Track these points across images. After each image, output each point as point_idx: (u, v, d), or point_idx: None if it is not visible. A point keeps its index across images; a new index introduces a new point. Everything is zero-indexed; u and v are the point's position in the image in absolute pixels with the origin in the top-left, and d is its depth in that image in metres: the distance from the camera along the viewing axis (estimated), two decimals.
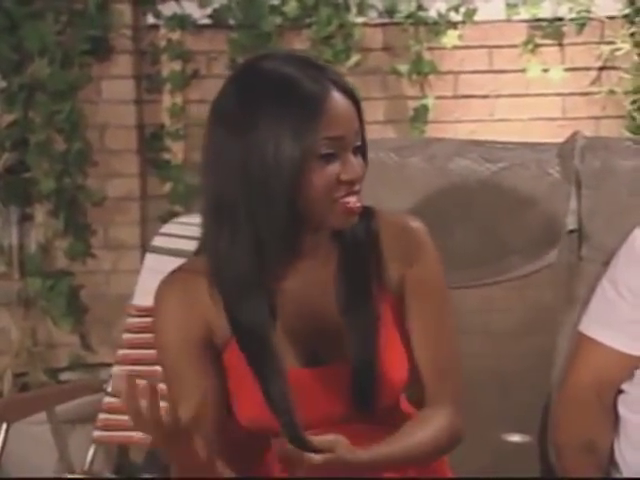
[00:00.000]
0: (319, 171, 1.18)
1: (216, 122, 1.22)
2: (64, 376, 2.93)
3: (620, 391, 1.52)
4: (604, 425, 1.50)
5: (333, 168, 1.19)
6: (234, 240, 1.20)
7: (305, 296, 1.26)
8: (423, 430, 1.27)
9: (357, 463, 1.19)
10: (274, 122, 1.17)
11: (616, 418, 1.51)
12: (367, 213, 1.27)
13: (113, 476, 2.49)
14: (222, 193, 1.20)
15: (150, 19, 2.96)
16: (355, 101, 1.22)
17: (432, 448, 1.28)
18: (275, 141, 1.16)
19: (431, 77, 2.90)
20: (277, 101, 1.17)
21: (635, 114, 2.82)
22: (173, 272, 1.29)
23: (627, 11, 2.82)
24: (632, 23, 2.82)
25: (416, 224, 1.30)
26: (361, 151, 1.24)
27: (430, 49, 2.89)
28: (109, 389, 2.29)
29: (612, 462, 1.50)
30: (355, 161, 1.21)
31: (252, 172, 1.17)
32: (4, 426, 2.11)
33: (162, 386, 2.33)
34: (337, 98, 1.20)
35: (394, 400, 1.31)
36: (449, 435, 1.30)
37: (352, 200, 1.21)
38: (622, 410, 1.51)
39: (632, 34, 2.82)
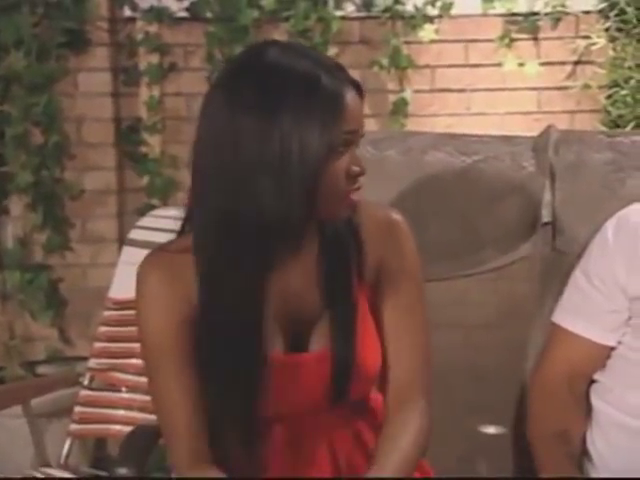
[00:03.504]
0: (335, 165, 1.19)
1: (232, 102, 1.18)
2: (41, 369, 2.92)
3: (592, 381, 1.53)
4: (576, 415, 1.51)
5: (344, 161, 1.20)
6: (232, 227, 1.19)
7: (290, 282, 1.26)
8: (406, 438, 1.27)
9: None
10: (299, 116, 1.17)
11: (588, 408, 1.52)
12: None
13: (90, 470, 2.48)
14: (229, 177, 1.18)
15: (127, 11, 2.94)
16: (361, 94, 1.23)
17: (417, 454, 1.28)
18: (300, 135, 1.17)
19: (409, 71, 2.90)
20: (302, 96, 1.18)
21: (610, 108, 2.83)
22: (155, 251, 1.27)
23: (602, 6, 2.83)
24: (607, 18, 2.83)
25: (397, 217, 1.31)
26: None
27: (407, 43, 2.89)
28: (85, 382, 2.29)
29: (584, 451, 1.51)
30: (359, 154, 1.23)
31: (270, 161, 1.17)
32: None
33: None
34: (351, 93, 1.21)
35: (368, 389, 1.31)
36: (427, 434, 1.30)
37: (355, 193, 1.22)
38: (594, 400, 1.51)
39: (607, 29, 2.83)
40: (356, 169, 1.21)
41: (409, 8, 2.88)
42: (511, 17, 2.88)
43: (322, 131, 1.17)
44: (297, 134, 1.17)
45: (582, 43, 2.85)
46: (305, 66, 1.19)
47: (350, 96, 1.21)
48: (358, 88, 1.23)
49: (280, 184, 1.17)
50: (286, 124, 1.16)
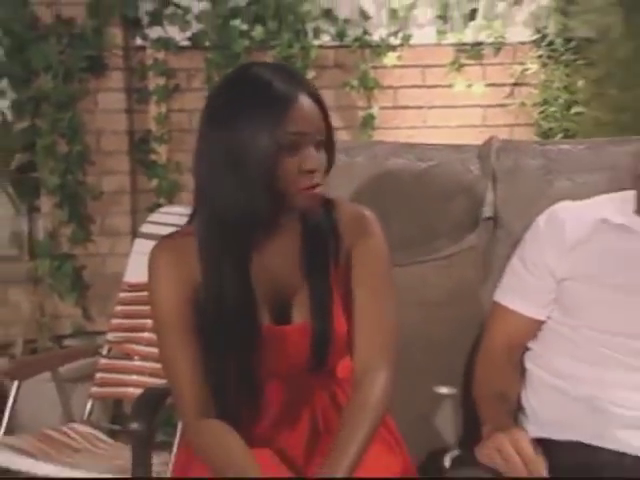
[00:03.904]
0: (286, 160, 1.17)
1: (207, 117, 1.20)
2: (67, 342, 2.91)
3: (526, 348, 1.53)
4: (513, 379, 1.51)
5: (296, 159, 1.18)
6: (222, 215, 1.19)
7: (276, 265, 1.26)
8: (373, 400, 1.24)
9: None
10: (251, 117, 1.16)
11: (522, 371, 1.53)
12: (330, 204, 1.28)
13: (109, 425, 2.48)
14: (211, 176, 1.18)
15: (138, 41, 2.93)
16: (320, 103, 1.20)
17: (383, 411, 1.26)
18: (252, 134, 1.15)
19: (375, 91, 2.90)
20: (253, 99, 1.16)
21: (542, 122, 2.85)
22: (163, 238, 1.27)
23: (535, 37, 2.85)
24: (539, 47, 2.85)
25: (368, 212, 1.31)
26: (326, 148, 1.22)
27: (374, 67, 2.89)
28: (104, 352, 2.29)
29: (520, 407, 1.52)
30: (315, 154, 1.19)
31: (234, 159, 1.16)
32: (16, 383, 2.10)
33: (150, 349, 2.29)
34: (303, 99, 1.18)
35: (343, 358, 1.31)
36: (390, 397, 1.28)
37: (312, 187, 1.19)
38: (528, 364, 1.52)
39: (539, 56, 2.85)
40: (306, 166, 1.18)
41: (375, 38, 2.88)
42: (460, 46, 2.88)
43: (270, 131, 1.15)
44: (251, 135, 1.15)
45: (519, 68, 2.87)
46: (262, 75, 1.17)
47: (301, 101, 1.17)
48: (317, 98, 1.19)
49: (242, 181, 1.16)
50: (241, 127, 1.15)
